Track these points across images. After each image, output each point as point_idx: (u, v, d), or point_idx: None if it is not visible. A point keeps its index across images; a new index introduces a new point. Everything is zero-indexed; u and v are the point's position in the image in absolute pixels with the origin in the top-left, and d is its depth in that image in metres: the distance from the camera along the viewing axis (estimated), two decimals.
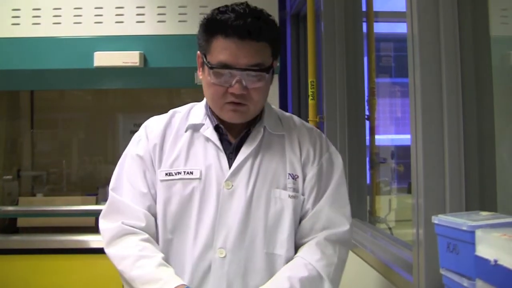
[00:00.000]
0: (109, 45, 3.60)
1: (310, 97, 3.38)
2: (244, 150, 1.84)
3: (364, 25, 3.47)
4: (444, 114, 1.88)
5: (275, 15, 3.61)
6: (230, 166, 1.82)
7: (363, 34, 3.45)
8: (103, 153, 4.80)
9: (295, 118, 2.00)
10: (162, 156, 1.87)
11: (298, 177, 1.85)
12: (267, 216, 1.80)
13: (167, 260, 1.80)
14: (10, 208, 4.01)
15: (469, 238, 1.25)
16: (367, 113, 3.39)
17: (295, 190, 1.83)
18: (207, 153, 1.85)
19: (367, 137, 3.41)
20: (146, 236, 1.81)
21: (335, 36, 3.35)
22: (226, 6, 1.75)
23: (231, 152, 1.85)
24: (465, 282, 1.27)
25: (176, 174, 1.84)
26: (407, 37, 1.97)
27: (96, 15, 3.66)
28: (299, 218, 1.85)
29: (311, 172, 1.87)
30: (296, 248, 1.84)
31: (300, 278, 1.71)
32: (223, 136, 1.87)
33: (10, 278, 3.63)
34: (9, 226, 4.09)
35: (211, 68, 1.73)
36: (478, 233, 1.21)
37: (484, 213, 1.41)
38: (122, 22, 3.67)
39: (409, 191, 2.79)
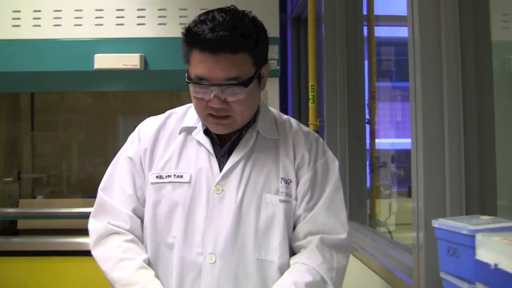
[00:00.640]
0: (110, 48, 3.60)
1: (311, 101, 3.38)
2: (235, 154, 1.81)
3: (365, 29, 3.47)
4: (445, 118, 1.88)
5: (275, 18, 3.65)
6: (221, 170, 1.80)
7: (364, 37, 3.46)
8: (103, 155, 4.80)
9: (292, 121, 1.95)
10: (153, 159, 1.86)
11: (291, 181, 1.81)
12: (258, 221, 1.76)
13: (156, 263, 1.80)
14: (10, 210, 4.01)
15: (469, 242, 1.25)
16: (367, 116, 3.40)
17: (288, 194, 1.80)
18: (199, 156, 1.83)
19: (368, 141, 3.41)
20: (131, 236, 1.80)
21: (335, 39, 3.35)
22: (208, 13, 1.69)
23: (222, 156, 1.83)
24: (465, 286, 1.27)
25: (166, 177, 1.82)
26: (408, 41, 1.97)
27: (96, 17, 3.66)
28: (292, 224, 1.82)
29: (305, 176, 1.82)
30: (292, 254, 1.81)
31: (306, 283, 1.67)
32: (214, 140, 1.85)
33: (10, 280, 3.63)
34: (10, 228, 4.08)
35: (188, 82, 1.70)
36: (479, 237, 1.21)
37: (484, 217, 1.41)
38: (122, 24, 3.67)
39: (409, 195, 2.79)
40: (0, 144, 4.20)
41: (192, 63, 1.70)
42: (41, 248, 3.69)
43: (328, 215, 1.80)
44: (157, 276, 1.73)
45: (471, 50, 1.89)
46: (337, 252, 1.78)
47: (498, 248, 1.14)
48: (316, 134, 1.96)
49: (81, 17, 3.66)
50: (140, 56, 3.55)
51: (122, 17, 3.68)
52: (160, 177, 1.83)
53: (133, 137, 1.94)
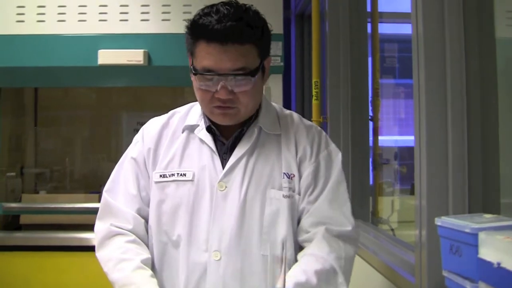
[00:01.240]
0: (114, 43, 3.61)
1: (314, 97, 3.38)
2: (237, 151, 1.82)
3: (369, 26, 3.46)
4: (448, 116, 1.87)
5: (279, 14, 3.65)
6: (224, 167, 1.81)
7: (368, 34, 3.45)
8: (106, 151, 4.82)
9: (294, 115, 1.95)
10: (156, 158, 1.87)
11: (294, 176, 1.81)
12: (263, 217, 1.77)
13: (162, 262, 1.81)
14: (13, 205, 4.02)
15: (472, 241, 1.25)
16: (370, 113, 3.39)
17: (291, 189, 1.79)
18: (202, 154, 1.83)
19: (371, 138, 3.41)
20: (133, 237, 1.81)
21: (339, 36, 3.35)
22: (212, 6, 1.71)
23: (225, 153, 1.83)
24: (467, 284, 1.27)
25: (170, 176, 1.83)
26: (412, 38, 1.97)
27: (100, 13, 3.66)
28: (297, 218, 1.82)
29: (308, 169, 1.82)
30: (298, 249, 1.81)
31: (316, 270, 1.65)
32: (217, 137, 1.85)
33: (12, 275, 3.64)
34: (12, 223, 4.10)
35: (195, 73, 1.71)
36: (481, 236, 1.21)
37: (487, 216, 1.41)
38: (126, 20, 3.67)
39: (412, 192, 2.79)
40: (3, 139, 4.21)
41: (197, 55, 1.71)
42: (44, 243, 3.70)
43: (332, 208, 1.80)
44: (153, 276, 1.73)
45: (475, 47, 1.89)
46: (344, 242, 1.77)
47: (501, 247, 1.13)
48: (319, 128, 1.95)
49: (85, 13, 3.66)
50: (144, 52, 3.56)
51: (126, 13, 3.68)
52: (164, 176, 1.84)
53: (137, 138, 1.95)
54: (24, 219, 4.06)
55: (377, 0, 3.49)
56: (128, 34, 3.64)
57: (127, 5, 3.68)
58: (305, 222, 1.80)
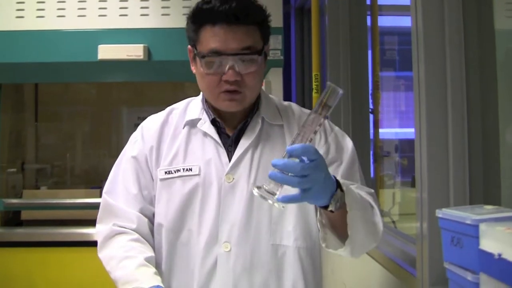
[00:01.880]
0: (113, 38, 3.61)
1: (314, 91, 3.38)
2: (243, 142, 1.82)
3: (369, 19, 3.46)
4: (448, 108, 1.87)
5: (279, 8, 3.64)
6: (229, 159, 1.81)
7: (368, 27, 3.44)
8: (107, 146, 4.83)
9: (294, 106, 1.97)
10: (159, 156, 1.86)
11: None
12: (272, 207, 1.76)
13: (172, 259, 1.81)
14: (14, 200, 4.03)
15: (473, 232, 1.25)
16: (371, 106, 3.39)
17: None
18: (206, 148, 1.83)
19: (371, 131, 3.40)
20: (136, 236, 1.80)
21: (339, 29, 3.34)
22: None
23: (230, 145, 1.83)
24: (469, 276, 1.27)
25: (175, 172, 1.82)
26: (411, 30, 1.96)
27: (100, 8, 3.66)
28: (307, 206, 1.80)
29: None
30: (308, 236, 1.80)
31: (364, 194, 1.69)
32: (220, 130, 1.85)
33: (13, 270, 3.65)
34: (13, 218, 4.11)
35: (202, 57, 1.71)
36: (482, 227, 1.21)
37: (488, 207, 1.41)
38: (126, 15, 3.67)
39: (412, 185, 2.79)
40: (4, 135, 4.21)
41: (202, 40, 1.72)
42: (45, 238, 3.70)
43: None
44: (157, 273, 1.72)
45: (474, 39, 1.88)
46: (374, 201, 1.76)
47: (502, 238, 1.13)
48: None
49: (84, 8, 3.67)
50: (144, 46, 3.56)
51: (126, 7, 3.68)
52: (169, 172, 1.83)
53: (135, 136, 1.93)
54: (25, 215, 4.07)
55: None
56: (128, 29, 3.64)
57: (126, 0, 3.68)
58: None
